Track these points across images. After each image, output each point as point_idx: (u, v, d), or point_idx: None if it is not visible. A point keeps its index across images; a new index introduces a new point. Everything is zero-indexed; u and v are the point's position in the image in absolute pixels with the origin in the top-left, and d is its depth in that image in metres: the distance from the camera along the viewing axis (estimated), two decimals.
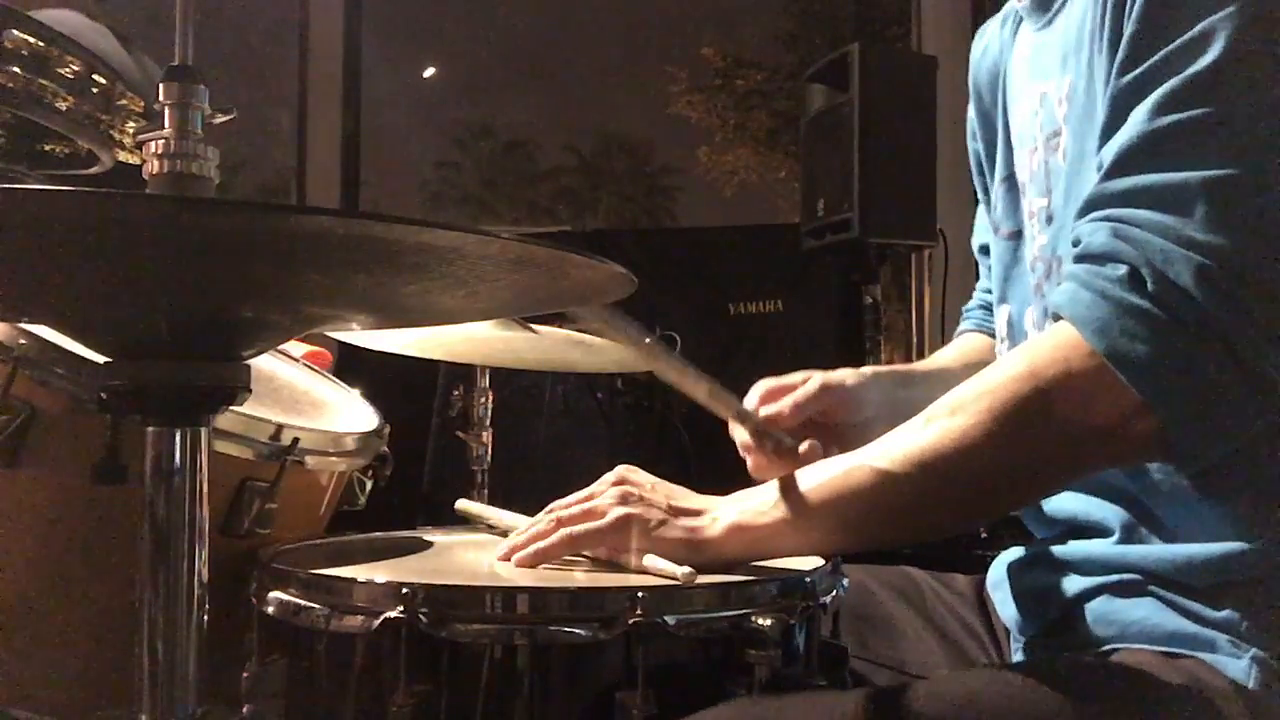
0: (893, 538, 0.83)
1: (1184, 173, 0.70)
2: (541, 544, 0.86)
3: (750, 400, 1.00)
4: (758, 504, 0.83)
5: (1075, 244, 0.75)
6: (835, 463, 0.81)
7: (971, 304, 1.21)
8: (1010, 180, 0.97)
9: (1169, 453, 0.72)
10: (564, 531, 0.86)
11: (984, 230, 1.14)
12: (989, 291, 1.17)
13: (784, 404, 0.98)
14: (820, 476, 0.81)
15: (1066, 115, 0.85)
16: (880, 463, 0.77)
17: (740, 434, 0.98)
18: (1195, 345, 0.68)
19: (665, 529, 0.83)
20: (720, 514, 0.84)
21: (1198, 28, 0.71)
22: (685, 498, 0.87)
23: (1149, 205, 0.70)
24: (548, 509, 0.90)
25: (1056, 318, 0.74)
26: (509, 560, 0.88)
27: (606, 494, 0.87)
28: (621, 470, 0.90)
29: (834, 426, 0.99)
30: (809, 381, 0.99)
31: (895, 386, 1.04)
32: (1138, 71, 0.73)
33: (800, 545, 0.82)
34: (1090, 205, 0.74)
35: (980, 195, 1.12)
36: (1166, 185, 0.70)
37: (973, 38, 1.09)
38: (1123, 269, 0.70)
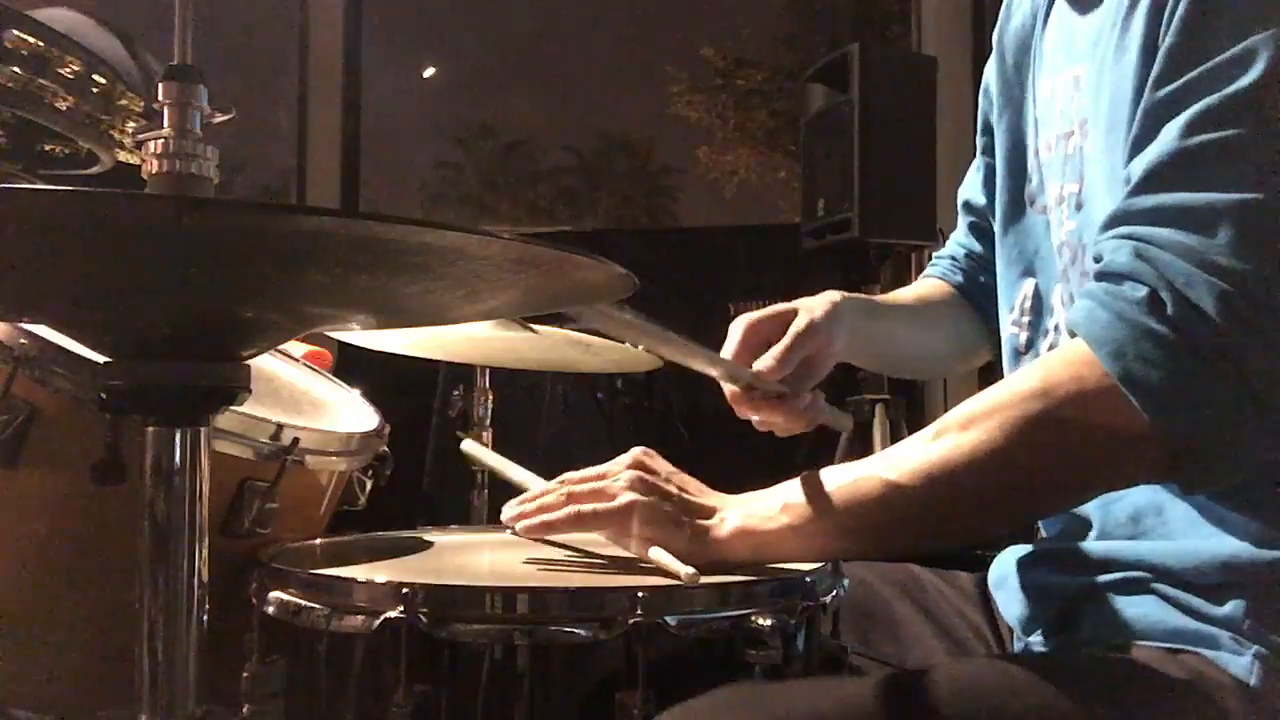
0: (899, 548, 0.83)
1: (1212, 194, 0.69)
2: (548, 516, 0.86)
3: (733, 338, 0.98)
4: (765, 509, 0.82)
5: (1097, 260, 0.74)
6: (844, 471, 0.81)
7: (942, 253, 1.20)
8: (1038, 156, 0.96)
9: (1178, 477, 0.72)
10: (572, 508, 0.85)
11: (974, 185, 1.13)
12: (962, 246, 1.16)
13: (774, 356, 0.95)
14: (828, 485, 0.80)
15: (1089, 103, 0.84)
16: (889, 474, 0.77)
17: (729, 386, 0.97)
18: (1210, 372, 0.67)
19: (673, 522, 0.83)
20: (728, 515, 0.84)
21: (1238, 47, 0.69)
22: (700, 493, 0.87)
23: (1173, 225, 0.69)
24: (560, 479, 0.89)
25: (1072, 334, 0.74)
26: (515, 524, 0.87)
27: (621, 476, 0.86)
28: (639, 454, 0.89)
29: (811, 358, 0.99)
30: (796, 320, 0.98)
31: (861, 317, 1.04)
32: (1173, 87, 0.72)
33: (805, 552, 0.82)
34: (1114, 221, 0.73)
35: (979, 155, 1.11)
36: (1193, 206, 0.69)
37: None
38: (1142, 290, 0.69)
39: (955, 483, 0.74)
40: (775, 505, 0.82)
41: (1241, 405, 0.68)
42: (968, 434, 0.74)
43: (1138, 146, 0.74)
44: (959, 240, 1.17)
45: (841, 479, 0.80)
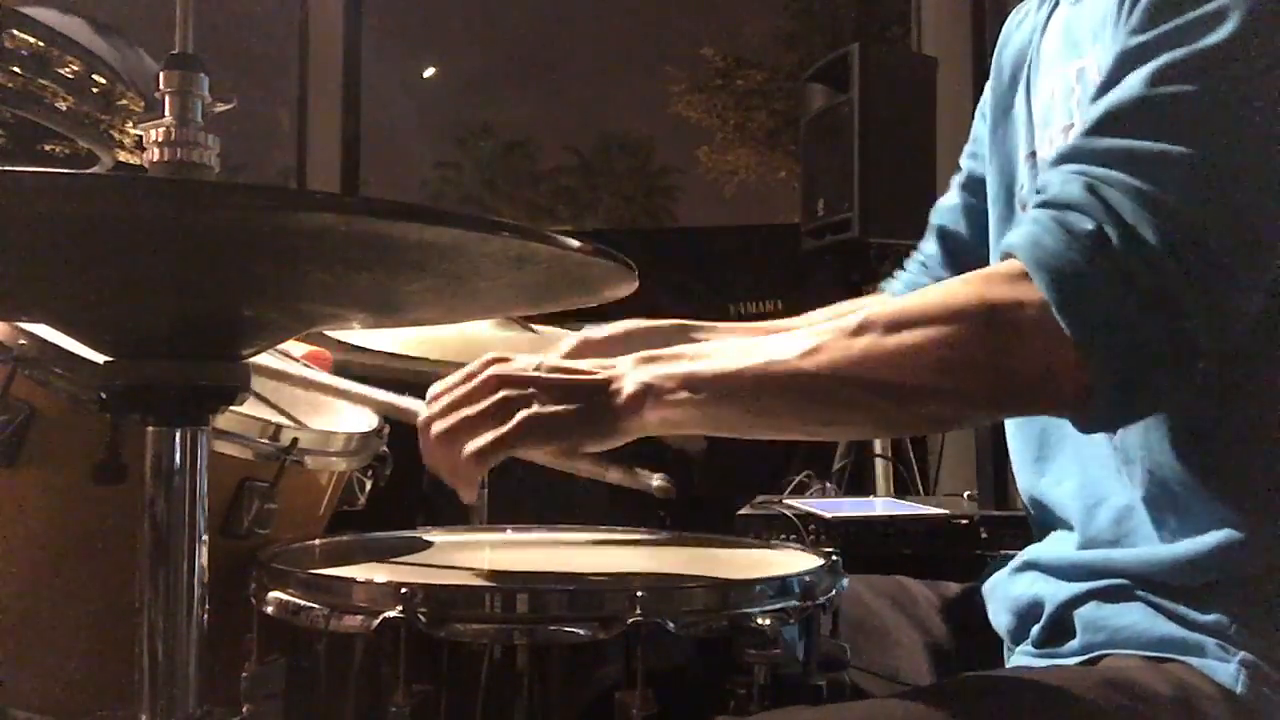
0: (800, 433, 0.81)
1: (1167, 144, 0.69)
2: (464, 473, 0.77)
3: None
4: (669, 370, 0.76)
5: (1041, 190, 0.74)
6: (754, 348, 0.76)
7: (893, 283, 1.18)
8: (1032, 158, 0.96)
9: (1090, 411, 0.71)
10: (470, 451, 0.75)
11: (947, 210, 1.15)
12: (924, 266, 1.16)
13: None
14: (738, 361, 0.75)
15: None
16: (804, 364, 0.73)
17: None
18: (1145, 309, 0.67)
19: (568, 413, 0.75)
20: (624, 384, 0.76)
21: (1212, 5, 0.70)
22: (576, 369, 0.78)
23: (1126, 169, 0.70)
24: (424, 415, 0.82)
25: (1008, 255, 0.72)
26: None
27: (490, 399, 0.76)
28: (493, 367, 0.78)
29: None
30: (566, 340, 0.95)
31: (671, 336, 0.98)
32: (1145, 37, 0.73)
33: (707, 423, 0.77)
34: (1066, 157, 0.73)
35: (962, 171, 1.13)
36: (1147, 152, 0.70)
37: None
38: (1090, 223, 0.69)
39: (874, 382, 0.72)
40: (677, 374, 0.75)
41: (1170, 348, 0.68)
42: (894, 337, 0.72)
43: (1104, 89, 0.74)
44: (920, 260, 1.17)
45: (752, 358, 0.75)
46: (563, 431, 0.75)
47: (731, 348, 0.77)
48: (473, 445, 0.75)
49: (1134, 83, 0.72)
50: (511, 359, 0.79)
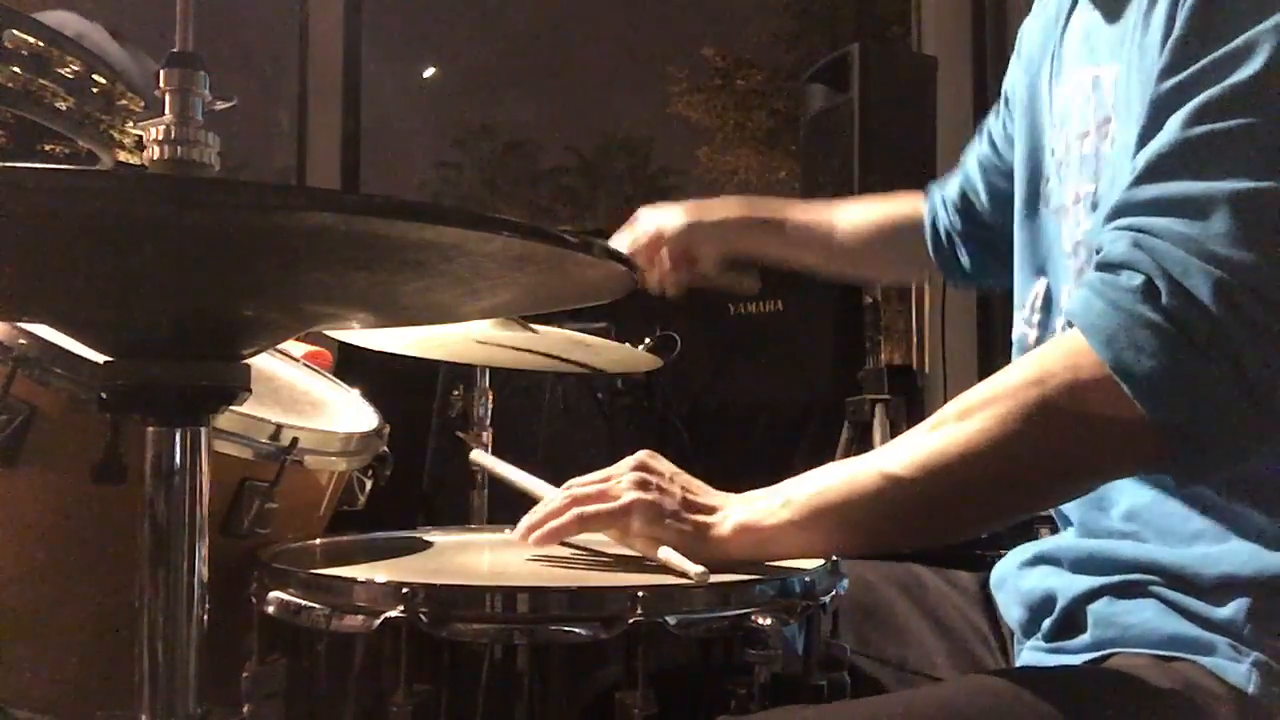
0: (898, 541, 0.83)
1: (1211, 183, 0.69)
2: (555, 522, 0.86)
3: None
4: (765, 505, 0.82)
5: (1097, 251, 0.74)
6: (843, 466, 0.81)
7: (943, 188, 1.22)
8: (1053, 156, 0.95)
9: (1172, 468, 0.72)
10: (576, 510, 0.85)
11: (981, 156, 1.15)
12: (958, 193, 1.18)
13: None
14: (827, 480, 0.80)
15: (1115, 103, 0.84)
16: (887, 466, 0.77)
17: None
18: (1204, 361, 0.67)
19: (676, 520, 0.83)
20: (729, 512, 0.84)
21: (1241, 38, 0.70)
22: (702, 493, 0.87)
23: (1172, 214, 0.69)
24: (565, 485, 0.90)
25: (1069, 324, 0.73)
26: (527, 539, 0.87)
27: (625, 477, 0.86)
28: (643, 456, 0.89)
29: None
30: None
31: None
32: (1178, 79, 0.72)
33: (806, 547, 0.82)
34: (1116, 212, 0.74)
35: (988, 129, 1.14)
36: (1191, 195, 0.69)
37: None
38: (1138, 279, 0.69)
39: (951, 474, 0.74)
40: (776, 501, 0.82)
41: (1236, 395, 0.67)
42: (964, 425, 0.74)
43: (1144, 139, 0.74)
44: (954, 182, 1.20)
45: (840, 473, 0.80)
46: (663, 526, 0.82)
47: (829, 468, 0.83)
48: (580, 509, 0.84)
49: (1172, 127, 0.71)
50: (655, 465, 0.88)
